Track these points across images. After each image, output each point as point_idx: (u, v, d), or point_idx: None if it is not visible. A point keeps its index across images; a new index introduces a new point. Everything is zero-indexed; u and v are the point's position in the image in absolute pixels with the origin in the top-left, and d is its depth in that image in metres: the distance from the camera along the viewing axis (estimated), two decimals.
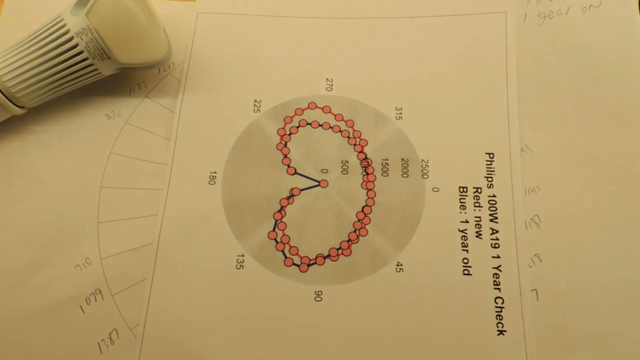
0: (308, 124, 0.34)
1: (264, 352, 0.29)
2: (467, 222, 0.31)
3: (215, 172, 0.33)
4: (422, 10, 0.36)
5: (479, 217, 0.31)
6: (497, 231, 0.30)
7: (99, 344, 0.30)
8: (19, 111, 0.32)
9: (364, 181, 0.32)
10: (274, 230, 0.31)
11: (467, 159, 0.32)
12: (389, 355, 0.28)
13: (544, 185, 0.31)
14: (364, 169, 0.32)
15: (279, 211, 0.32)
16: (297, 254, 0.31)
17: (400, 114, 0.33)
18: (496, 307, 0.29)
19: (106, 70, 0.33)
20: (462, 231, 0.30)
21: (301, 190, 0.32)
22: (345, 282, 0.30)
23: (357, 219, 0.31)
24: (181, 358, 0.29)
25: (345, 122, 0.34)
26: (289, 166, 0.33)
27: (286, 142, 0.33)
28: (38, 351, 0.30)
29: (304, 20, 0.36)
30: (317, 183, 0.32)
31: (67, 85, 0.32)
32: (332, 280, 0.30)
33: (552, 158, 0.32)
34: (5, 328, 0.30)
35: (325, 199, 0.32)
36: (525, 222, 0.30)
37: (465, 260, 0.30)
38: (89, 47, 0.31)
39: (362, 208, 0.32)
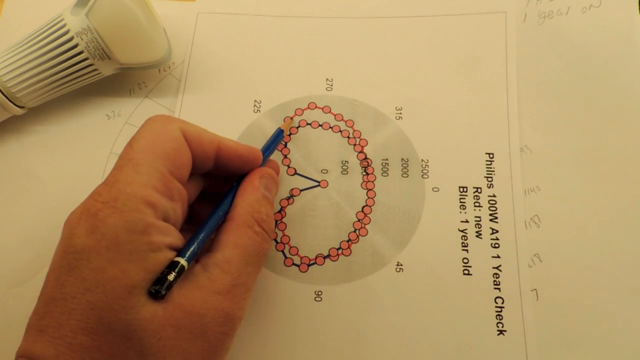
0: (308, 124, 0.34)
1: (265, 352, 0.29)
2: (467, 222, 0.31)
3: None
4: (422, 10, 0.36)
5: (479, 217, 0.31)
6: (497, 231, 0.30)
7: None
8: (19, 111, 0.32)
9: (363, 181, 0.32)
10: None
11: (467, 159, 0.32)
12: (389, 355, 0.28)
13: (543, 185, 0.31)
14: (363, 169, 0.32)
15: (279, 211, 0.32)
16: (297, 254, 0.31)
17: (400, 114, 0.33)
18: (496, 307, 0.29)
19: (106, 70, 0.33)
20: (462, 231, 0.30)
21: (301, 190, 0.32)
22: (345, 282, 0.30)
23: (357, 219, 0.31)
24: None
25: (345, 122, 0.34)
26: (288, 166, 0.33)
27: (286, 143, 0.33)
28: None
29: (304, 20, 0.36)
30: (317, 183, 0.32)
31: (67, 85, 0.32)
32: (332, 280, 0.30)
33: (552, 158, 0.32)
34: (6, 328, 0.30)
35: (325, 199, 0.32)
36: (525, 222, 0.30)
37: (465, 260, 0.30)
38: (89, 47, 0.31)
39: (362, 208, 0.32)
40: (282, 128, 0.32)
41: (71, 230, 0.21)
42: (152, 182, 0.22)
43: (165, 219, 0.22)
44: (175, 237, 0.22)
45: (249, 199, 0.25)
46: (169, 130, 0.24)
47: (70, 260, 0.20)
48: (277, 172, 0.31)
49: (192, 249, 0.22)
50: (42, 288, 0.21)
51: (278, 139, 0.31)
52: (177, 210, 0.24)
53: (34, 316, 0.21)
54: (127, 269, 0.20)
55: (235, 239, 0.24)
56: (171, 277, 0.21)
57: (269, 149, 0.30)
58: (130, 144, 0.23)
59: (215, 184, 0.28)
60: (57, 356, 0.19)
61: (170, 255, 0.22)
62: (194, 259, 0.23)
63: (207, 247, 0.24)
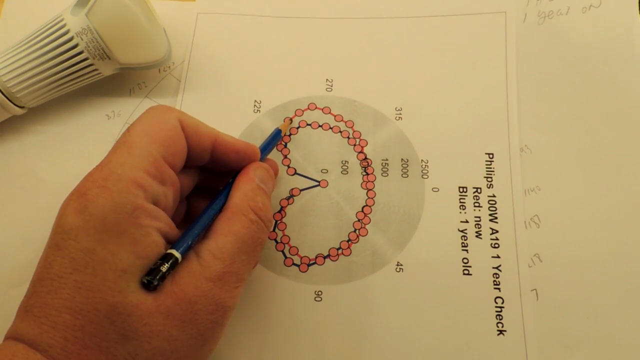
0: (308, 124, 0.34)
1: (265, 352, 0.29)
2: (467, 222, 0.31)
3: None
4: (422, 10, 0.36)
5: (479, 217, 0.31)
6: (497, 231, 0.30)
7: None
8: (19, 111, 0.32)
9: (363, 181, 0.32)
10: (274, 230, 0.31)
11: (467, 159, 0.32)
12: (389, 355, 0.28)
13: (543, 185, 0.31)
14: (363, 169, 0.32)
15: (279, 211, 0.32)
16: (297, 254, 0.31)
17: (400, 114, 0.33)
18: (496, 307, 0.29)
19: (106, 70, 0.33)
20: (462, 231, 0.30)
21: (301, 190, 0.32)
22: (345, 282, 0.30)
23: (357, 219, 0.31)
24: None
25: (345, 122, 0.34)
26: (288, 166, 0.33)
27: (286, 143, 0.33)
28: None
29: (304, 21, 0.36)
30: (317, 183, 0.32)
31: (67, 85, 0.32)
32: (332, 280, 0.30)
33: (552, 158, 0.32)
34: (6, 328, 0.30)
35: (325, 199, 0.32)
36: (525, 222, 0.30)
37: (465, 260, 0.30)
38: (89, 47, 0.31)
39: (362, 208, 0.32)
40: (280, 128, 0.32)
41: (62, 211, 0.21)
42: (143, 165, 0.22)
43: (155, 203, 0.22)
44: (164, 222, 0.22)
45: (244, 188, 0.25)
46: (167, 118, 0.24)
47: (59, 240, 0.21)
48: (276, 171, 0.31)
49: (186, 241, 0.22)
50: (34, 272, 0.21)
51: (276, 139, 0.31)
52: (168, 195, 0.24)
53: (23, 299, 0.21)
54: (116, 252, 0.20)
55: (229, 226, 0.23)
56: (164, 268, 0.21)
57: (267, 148, 0.30)
58: (127, 129, 0.23)
59: (214, 179, 0.28)
60: (40, 334, 0.19)
61: (159, 240, 0.22)
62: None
63: (202, 236, 0.24)
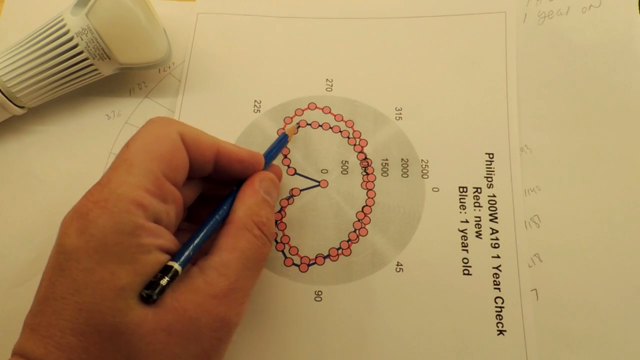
0: (308, 124, 0.34)
1: (265, 352, 0.29)
2: (467, 222, 0.31)
3: None
4: (422, 10, 0.36)
5: (479, 217, 0.31)
6: (497, 231, 0.30)
7: None
8: (19, 111, 0.33)
9: (363, 181, 0.32)
10: None
11: (467, 159, 0.32)
12: (389, 355, 0.28)
13: (543, 185, 0.31)
14: (363, 169, 0.32)
15: (279, 211, 0.32)
16: (297, 254, 0.31)
17: (400, 114, 0.33)
18: (496, 307, 0.29)
19: (106, 70, 0.33)
20: (462, 231, 0.30)
21: (301, 190, 0.32)
22: (345, 282, 0.30)
23: (357, 219, 0.31)
24: None
25: (345, 122, 0.34)
26: (288, 166, 0.33)
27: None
28: None
29: (304, 21, 0.36)
30: (317, 183, 0.32)
31: (67, 85, 0.32)
32: (332, 280, 0.30)
33: (552, 158, 0.32)
34: (6, 328, 0.30)
35: (325, 199, 0.32)
36: (525, 222, 0.30)
37: (465, 260, 0.30)
38: (89, 47, 0.31)
39: (362, 208, 0.32)
40: (287, 133, 0.31)
41: (63, 231, 0.21)
42: (143, 184, 0.22)
43: (157, 221, 0.22)
44: (167, 239, 0.22)
45: (248, 202, 0.25)
46: (166, 132, 0.23)
47: (61, 260, 0.21)
48: (280, 177, 0.30)
49: (186, 253, 0.22)
50: (38, 287, 0.21)
51: (281, 144, 0.31)
52: (171, 213, 0.23)
53: (29, 314, 0.21)
54: (116, 271, 0.20)
55: (234, 242, 0.23)
56: (164, 281, 0.20)
57: (271, 153, 0.29)
58: (127, 145, 0.23)
59: (216, 187, 0.28)
60: (46, 355, 0.19)
61: (161, 257, 0.21)
62: (191, 262, 0.23)
63: (206, 250, 0.24)
